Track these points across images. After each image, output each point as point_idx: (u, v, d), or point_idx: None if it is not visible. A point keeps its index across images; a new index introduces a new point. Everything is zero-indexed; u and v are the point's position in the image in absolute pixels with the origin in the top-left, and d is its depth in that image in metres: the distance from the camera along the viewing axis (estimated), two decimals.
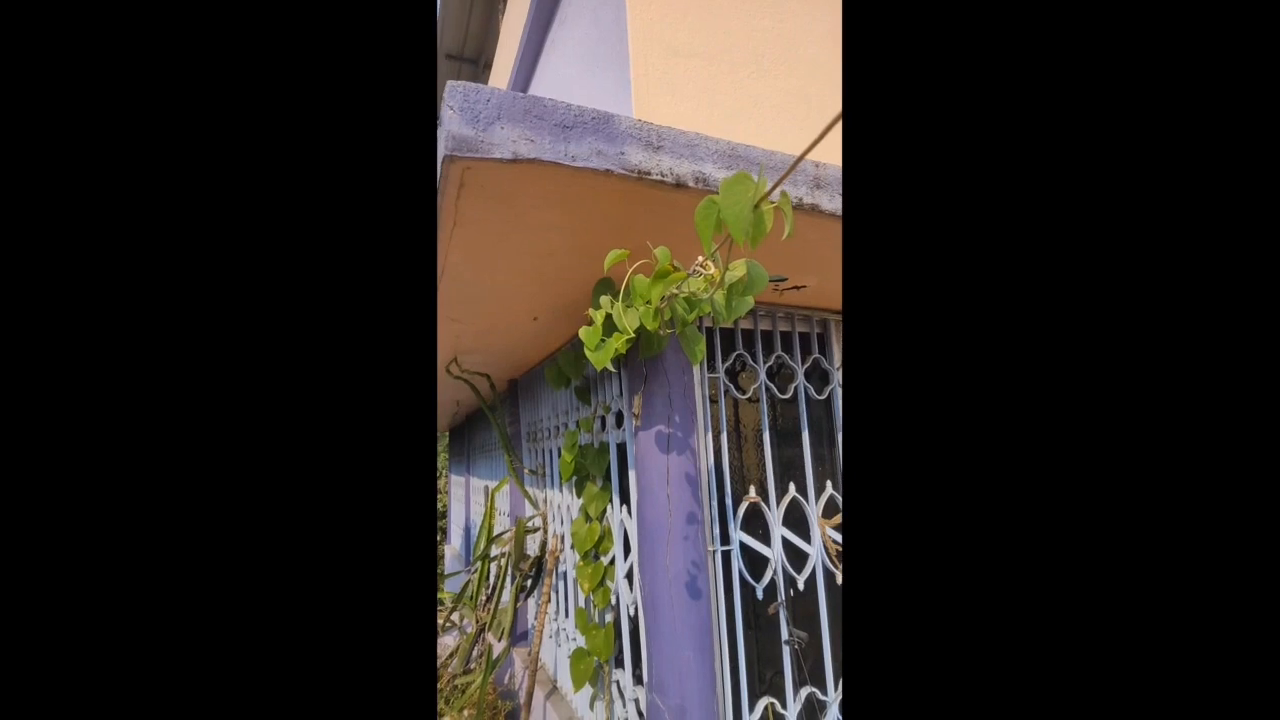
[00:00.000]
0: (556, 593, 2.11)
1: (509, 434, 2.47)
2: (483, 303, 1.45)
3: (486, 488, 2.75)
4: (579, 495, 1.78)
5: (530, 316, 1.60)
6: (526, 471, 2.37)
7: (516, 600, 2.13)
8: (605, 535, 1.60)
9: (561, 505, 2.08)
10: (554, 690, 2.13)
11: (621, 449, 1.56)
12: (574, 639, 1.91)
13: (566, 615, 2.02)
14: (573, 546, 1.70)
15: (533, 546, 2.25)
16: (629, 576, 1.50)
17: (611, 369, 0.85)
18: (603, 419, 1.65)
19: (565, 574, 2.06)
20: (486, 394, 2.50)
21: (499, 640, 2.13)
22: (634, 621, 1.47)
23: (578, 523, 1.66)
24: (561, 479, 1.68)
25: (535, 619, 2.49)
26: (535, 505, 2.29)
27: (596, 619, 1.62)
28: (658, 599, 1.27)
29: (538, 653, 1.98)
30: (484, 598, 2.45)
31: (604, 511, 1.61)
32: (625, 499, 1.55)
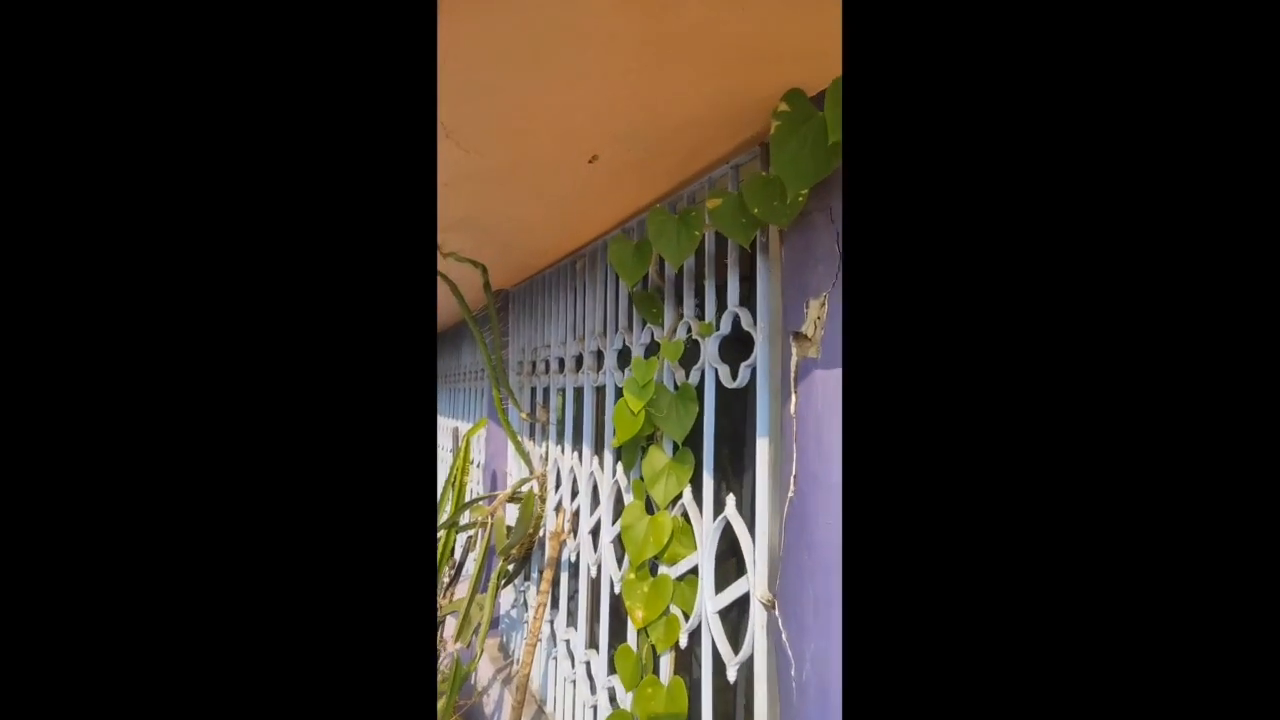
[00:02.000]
0: (556, 587, 1.50)
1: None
2: (523, 110, 0.74)
3: (456, 430, 2.06)
4: (624, 465, 1.15)
5: (587, 154, 0.91)
6: (522, 416, 1.71)
7: (497, 591, 1.52)
8: (676, 536, 0.99)
9: (569, 466, 1.45)
10: (540, 714, 1.56)
11: (731, 397, 0.93)
12: (585, 667, 1.33)
13: (570, 625, 1.43)
14: (622, 546, 1.08)
15: (512, 516, 1.62)
16: (726, 612, 0.90)
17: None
18: (691, 342, 1.00)
19: (569, 561, 1.45)
20: (476, 298, 1.78)
21: (467, 646, 1.52)
22: (727, 683, 0.88)
23: (631, 512, 1.03)
24: (616, 439, 1.03)
25: (511, 609, 1.89)
26: (529, 464, 1.65)
27: (647, 663, 1.02)
28: (830, 685, 0.68)
29: (527, 675, 1.38)
30: (445, 580, 1.83)
31: (678, 497, 0.98)
32: (729, 483, 0.93)
